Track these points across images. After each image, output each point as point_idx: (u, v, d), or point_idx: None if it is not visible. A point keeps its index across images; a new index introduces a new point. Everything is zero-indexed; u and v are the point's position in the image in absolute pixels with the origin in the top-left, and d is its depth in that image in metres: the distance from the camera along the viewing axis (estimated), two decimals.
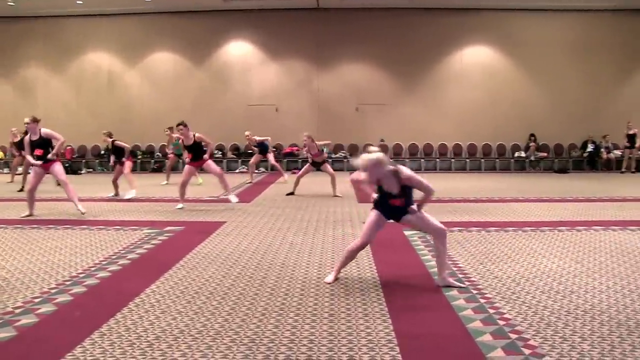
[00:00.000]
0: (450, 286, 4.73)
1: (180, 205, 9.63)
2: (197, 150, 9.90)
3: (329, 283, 4.86)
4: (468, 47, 19.49)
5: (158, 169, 18.85)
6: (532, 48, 19.16)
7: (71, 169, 17.12)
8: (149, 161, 19.45)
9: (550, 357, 3.28)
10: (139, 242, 6.73)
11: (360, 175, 4.85)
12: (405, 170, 4.68)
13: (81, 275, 5.15)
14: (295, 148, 18.98)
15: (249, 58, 19.67)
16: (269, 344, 3.51)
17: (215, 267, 5.46)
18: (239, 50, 19.69)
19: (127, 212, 9.34)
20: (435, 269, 5.31)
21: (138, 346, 3.46)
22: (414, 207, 4.80)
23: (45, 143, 8.78)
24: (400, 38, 19.16)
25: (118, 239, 6.95)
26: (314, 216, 8.78)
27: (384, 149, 17.63)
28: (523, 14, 19.12)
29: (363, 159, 4.60)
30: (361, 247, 4.92)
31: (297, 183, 11.87)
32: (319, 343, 3.52)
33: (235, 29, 19.42)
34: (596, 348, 3.41)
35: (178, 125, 9.96)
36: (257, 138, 14.72)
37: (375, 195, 4.93)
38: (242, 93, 19.40)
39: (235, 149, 19.40)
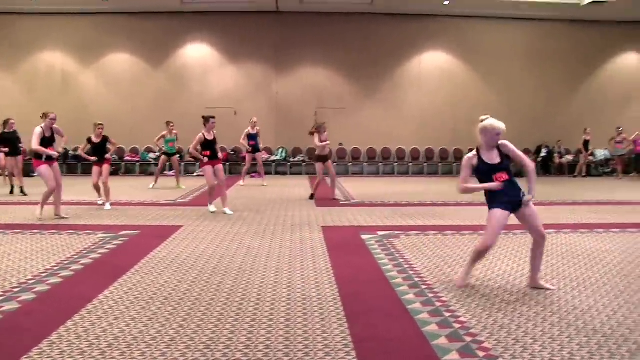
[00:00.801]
0: (540, 288, 4.86)
1: (213, 209, 9.48)
2: (215, 148, 9.63)
3: (463, 286, 4.90)
4: (427, 53, 19.75)
5: (114, 172, 18.46)
6: (489, 55, 19.57)
7: (23, 172, 16.58)
8: None
9: (504, 359, 3.35)
10: (93, 247, 6.58)
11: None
12: (505, 142, 4.78)
13: (31, 282, 5.00)
14: None
15: (208, 60, 19.49)
16: (225, 349, 3.47)
17: (171, 272, 5.38)
18: (197, 53, 19.48)
19: (82, 216, 9.11)
20: (393, 273, 5.37)
21: (89, 354, 3.37)
22: (527, 196, 4.72)
23: (53, 140, 8.76)
24: (360, 42, 19.28)
25: (71, 243, 6.78)
26: (272, 220, 8.75)
27: (341, 152, 17.73)
28: (480, 21, 19.47)
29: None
30: (488, 248, 4.87)
31: (332, 186, 11.78)
32: (275, 348, 3.50)
33: (193, 31, 19.21)
34: (547, 349, 3.49)
35: (210, 118, 9.54)
36: (258, 128, 14.63)
37: (473, 186, 4.90)
38: (200, 96, 19.18)
39: None
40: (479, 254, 4.91)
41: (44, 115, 8.74)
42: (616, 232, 7.75)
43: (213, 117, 9.62)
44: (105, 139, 10.28)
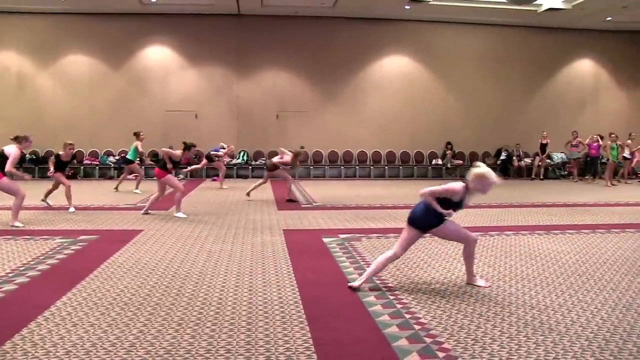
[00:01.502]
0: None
1: (182, 214, 9.41)
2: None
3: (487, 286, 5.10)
4: (388, 57, 19.90)
5: (72, 176, 18.12)
6: (449, 59, 19.84)
7: None
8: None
9: (463, 358, 3.41)
10: (51, 252, 6.43)
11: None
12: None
13: None
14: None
15: (168, 63, 19.22)
16: (186, 354, 3.45)
17: (131, 277, 5.30)
18: (158, 55, 19.20)
19: (39, 221, 8.90)
20: (353, 275, 5.40)
21: None
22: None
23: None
24: (322, 46, 19.32)
25: (28, 249, 6.62)
26: (233, 223, 8.70)
27: (304, 156, 17.73)
28: (440, 26, 19.73)
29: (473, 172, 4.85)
30: (475, 241, 5.15)
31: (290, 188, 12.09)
32: (236, 352, 3.48)
33: (154, 33, 18.92)
34: (505, 348, 3.57)
35: (192, 146, 9.90)
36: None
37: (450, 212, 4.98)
38: (161, 98, 18.94)
39: (154, 155, 18.91)
40: (472, 251, 5.12)
41: (19, 138, 8.52)
42: (571, 233, 7.97)
43: (194, 146, 10.08)
44: (74, 156, 10.66)
